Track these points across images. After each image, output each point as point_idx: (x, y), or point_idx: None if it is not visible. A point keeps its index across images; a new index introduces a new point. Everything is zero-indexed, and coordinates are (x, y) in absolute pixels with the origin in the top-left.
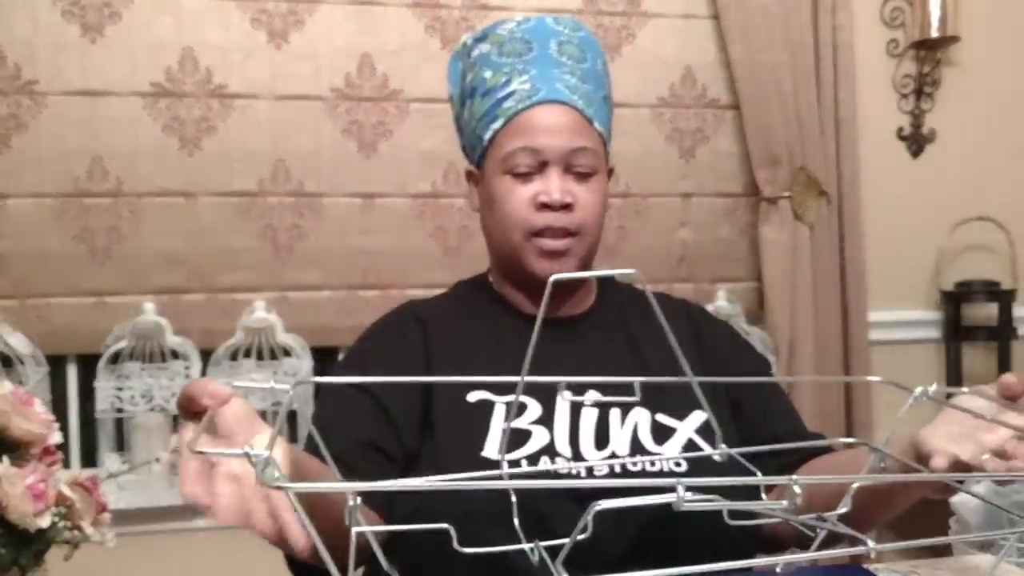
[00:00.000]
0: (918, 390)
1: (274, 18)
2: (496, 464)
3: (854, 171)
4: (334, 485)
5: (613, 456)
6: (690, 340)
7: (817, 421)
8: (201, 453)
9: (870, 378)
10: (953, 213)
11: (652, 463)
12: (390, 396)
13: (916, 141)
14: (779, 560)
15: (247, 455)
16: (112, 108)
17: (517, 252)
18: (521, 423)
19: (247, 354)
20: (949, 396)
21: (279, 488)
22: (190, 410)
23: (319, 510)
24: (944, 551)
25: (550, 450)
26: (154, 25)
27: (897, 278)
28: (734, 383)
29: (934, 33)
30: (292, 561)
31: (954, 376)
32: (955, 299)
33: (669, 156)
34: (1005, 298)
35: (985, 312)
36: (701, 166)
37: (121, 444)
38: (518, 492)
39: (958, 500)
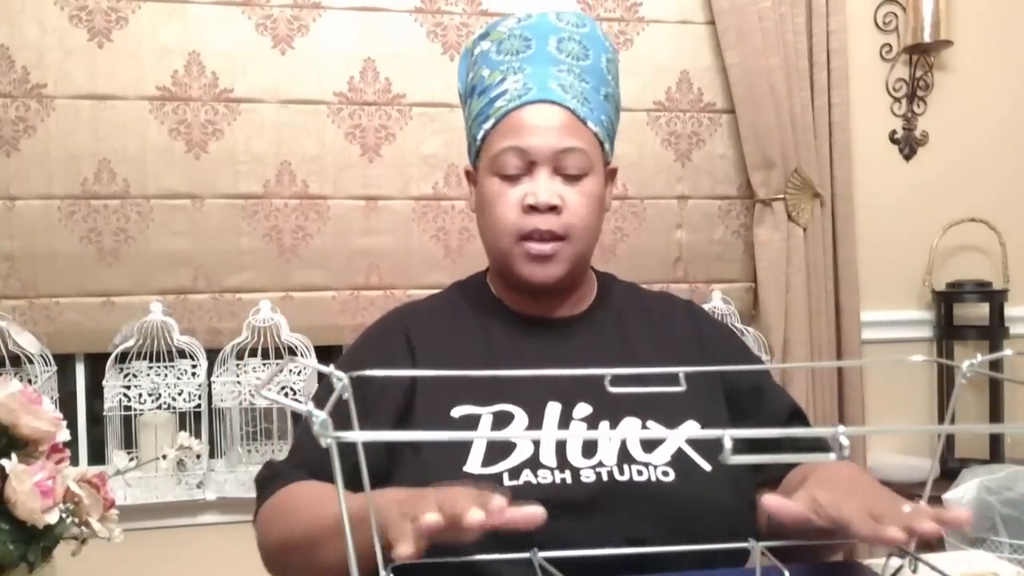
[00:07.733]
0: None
1: (279, 24)
2: (478, 479)
3: (847, 173)
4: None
5: (600, 465)
6: (691, 340)
7: (810, 416)
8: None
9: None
10: (945, 214)
11: (640, 472)
12: (364, 425)
13: (908, 144)
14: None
15: (310, 413)
16: (119, 112)
17: (506, 256)
18: (507, 434)
19: (253, 353)
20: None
21: (335, 437)
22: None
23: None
24: (937, 547)
25: (533, 462)
26: (160, 30)
27: (889, 278)
28: (725, 372)
29: (927, 37)
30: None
31: (946, 374)
32: (947, 299)
33: (666, 159)
34: (996, 298)
35: (976, 312)
36: (697, 169)
37: (128, 441)
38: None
39: (950, 497)
